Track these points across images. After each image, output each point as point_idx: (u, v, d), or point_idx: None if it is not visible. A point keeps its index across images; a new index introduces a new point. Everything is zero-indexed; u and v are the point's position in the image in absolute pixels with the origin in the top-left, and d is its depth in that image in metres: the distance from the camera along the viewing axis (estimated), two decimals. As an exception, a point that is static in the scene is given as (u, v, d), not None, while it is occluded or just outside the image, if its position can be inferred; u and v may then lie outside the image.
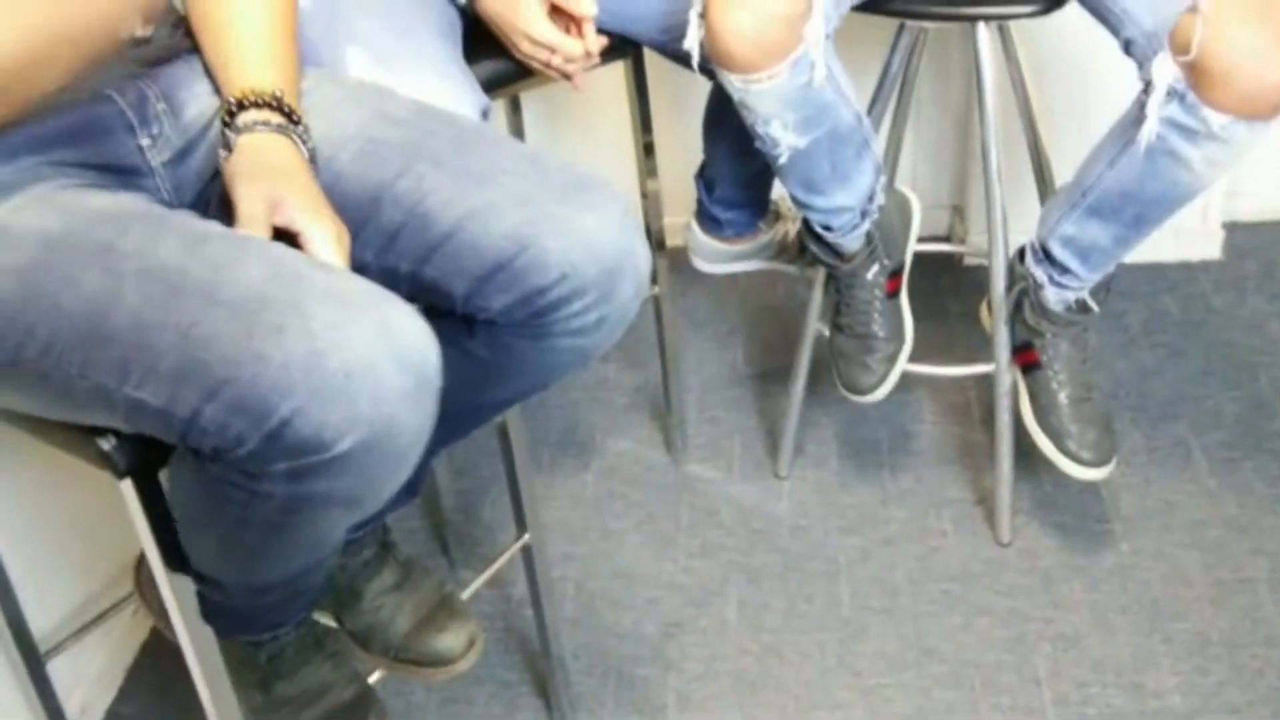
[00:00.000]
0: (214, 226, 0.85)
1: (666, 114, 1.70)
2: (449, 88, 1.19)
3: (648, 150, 1.66)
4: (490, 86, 1.38)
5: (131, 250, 0.81)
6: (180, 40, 1.01)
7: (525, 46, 1.33)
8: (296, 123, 0.94)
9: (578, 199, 0.93)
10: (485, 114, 1.23)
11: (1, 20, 0.78)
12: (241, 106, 0.93)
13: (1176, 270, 2.13)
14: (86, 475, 0.91)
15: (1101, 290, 1.48)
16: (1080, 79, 1.94)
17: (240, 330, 0.75)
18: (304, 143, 0.93)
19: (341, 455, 0.76)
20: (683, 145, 1.68)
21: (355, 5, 1.20)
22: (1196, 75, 1.18)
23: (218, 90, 0.98)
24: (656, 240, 1.69)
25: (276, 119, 0.93)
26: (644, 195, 1.67)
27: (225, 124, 0.93)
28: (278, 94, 0.94)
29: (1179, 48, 1.18)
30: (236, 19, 0.98)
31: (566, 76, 1.36)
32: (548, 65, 1.34)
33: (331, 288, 0.78)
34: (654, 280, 1.66)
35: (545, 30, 1.30)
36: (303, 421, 0.74)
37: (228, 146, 0.92)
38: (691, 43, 1.27)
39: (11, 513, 1.35)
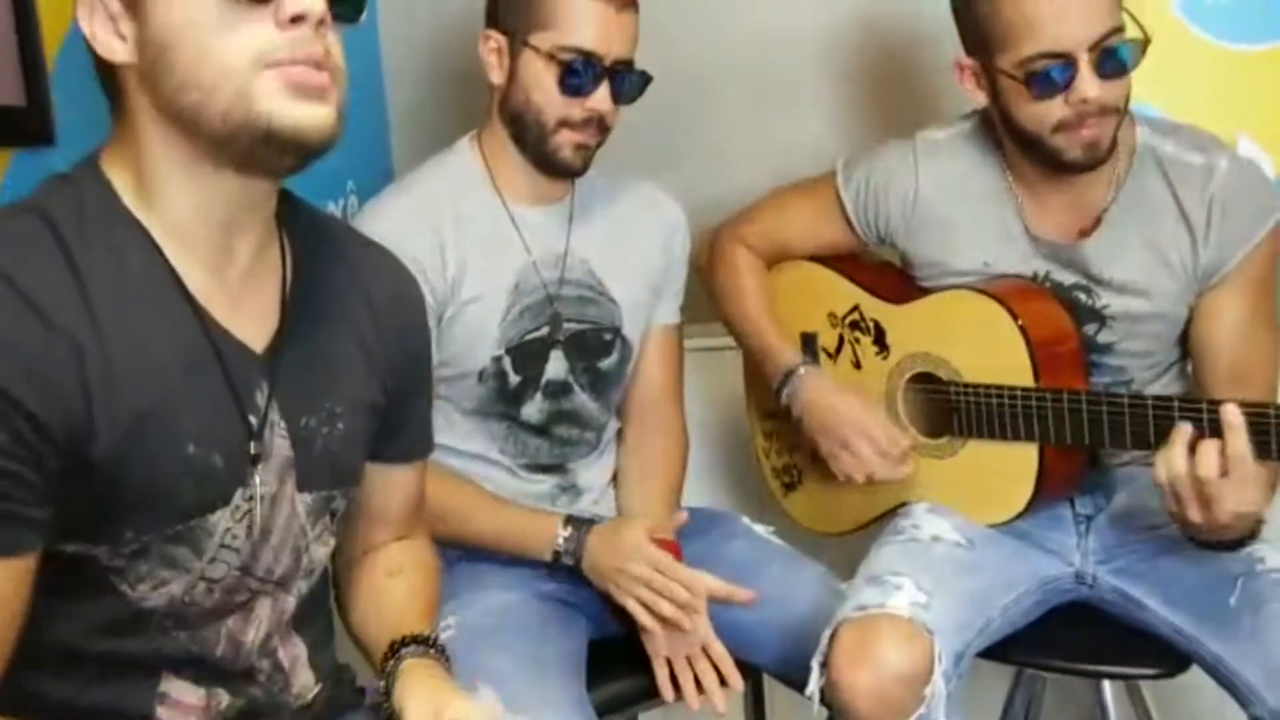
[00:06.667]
0: None
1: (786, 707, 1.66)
2: (570, 729, 1.22)
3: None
4: (611, 708, 1.41)
5: None
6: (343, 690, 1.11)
7: (635, 570, 1.37)
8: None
9: None
10: (603, 753, 1.24)
11: None
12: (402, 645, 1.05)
13: None
14: None
15: None
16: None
17: None
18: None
19: None
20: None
21: (492, 643, 1.27)
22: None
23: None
24: None
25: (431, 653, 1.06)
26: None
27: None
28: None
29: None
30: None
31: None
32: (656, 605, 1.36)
33: None
34: None
35: (651, 559, 1.36)
36: None
37: (388, 684, 1.02)
38: (812, 690, 1.27)
39: None
